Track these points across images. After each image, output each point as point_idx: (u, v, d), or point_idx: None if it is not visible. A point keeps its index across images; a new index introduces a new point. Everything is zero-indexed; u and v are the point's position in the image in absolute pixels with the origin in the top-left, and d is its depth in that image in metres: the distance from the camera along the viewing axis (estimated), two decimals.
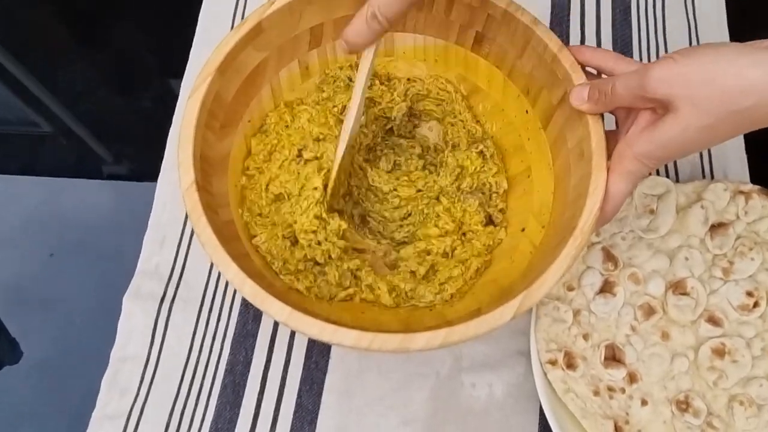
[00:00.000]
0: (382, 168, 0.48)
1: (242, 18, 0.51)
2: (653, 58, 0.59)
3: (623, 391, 0.44)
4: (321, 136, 0.46)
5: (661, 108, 0.34)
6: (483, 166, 0.47)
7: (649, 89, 0.33)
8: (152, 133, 0.55)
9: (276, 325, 0.48)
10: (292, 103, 0.48)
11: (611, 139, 0.38)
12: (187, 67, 0.56)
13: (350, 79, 0.48)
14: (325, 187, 0.44)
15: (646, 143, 0.34)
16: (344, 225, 0.43)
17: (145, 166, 0.57)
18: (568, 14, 0.61)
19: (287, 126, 0.47)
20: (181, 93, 0.56)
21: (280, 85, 0.47)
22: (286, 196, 0.45)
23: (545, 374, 0.44)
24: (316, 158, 0.45)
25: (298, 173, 0.45)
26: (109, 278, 0.50)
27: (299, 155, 0.46)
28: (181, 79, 0.56)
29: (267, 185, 0.45)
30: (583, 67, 0.40)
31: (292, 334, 0.48)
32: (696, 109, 0.32)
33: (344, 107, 0.47)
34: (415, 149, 0.49)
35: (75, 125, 0.60)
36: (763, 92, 0.30)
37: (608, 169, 0.37)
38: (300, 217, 0.43)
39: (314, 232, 0.43)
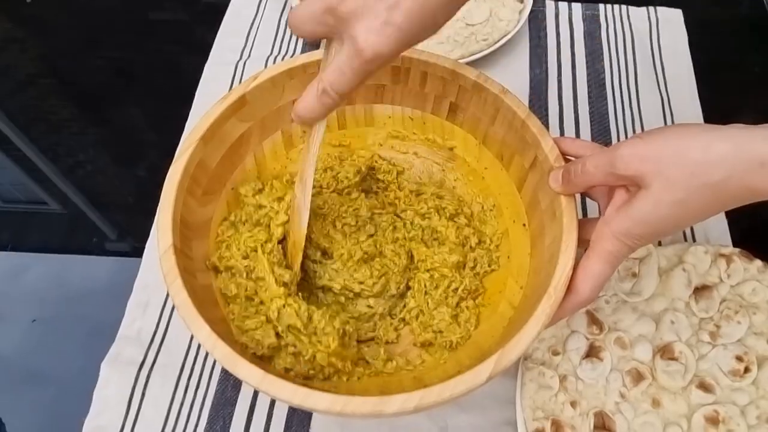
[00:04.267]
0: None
1: None
2: (629, 130, 0.62)
3: None
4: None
5: (634, 186, 0.34)
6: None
7: (619, 166, 0.34)
8: (148, 202, 0.56)
9: (256, 391, 0.47)
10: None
11: (593, 225, 0.37)
12: (180, 141, 0.59)
13: None
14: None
15: (623, 220, 0.34)
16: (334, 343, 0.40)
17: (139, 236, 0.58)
18: (546, 89, 0.64)
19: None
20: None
21: (264, 154, 0.48)
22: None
23: None
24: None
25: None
26: (95, 346, 0.49)
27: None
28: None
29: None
30: (564, 156, 0.41)
31: (273, 401, 0.47)
32: (666, 183, 0.32)
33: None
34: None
35: (72, 197, 0.62)
36: (732, 165, 0.30)
37: (588, 250, 0.36)
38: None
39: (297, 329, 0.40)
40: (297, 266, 0.43)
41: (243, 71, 0.65)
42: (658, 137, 0.33)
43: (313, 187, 0.41)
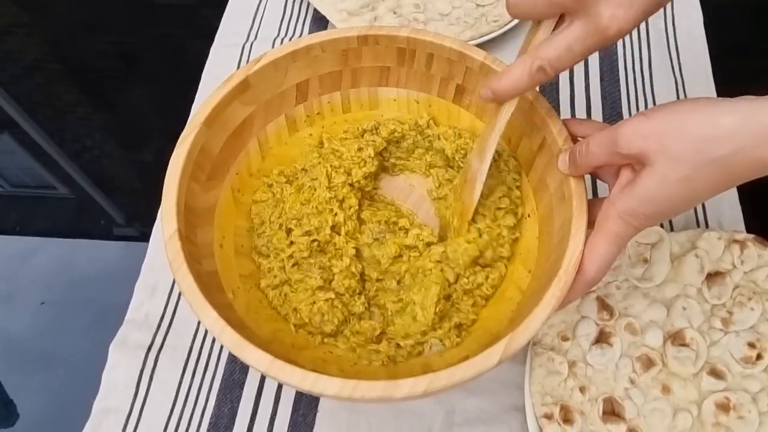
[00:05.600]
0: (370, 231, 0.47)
1: None
2: None
3: None
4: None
5: (638, 164, 0.33)
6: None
7: (622, 145, 0.33)
8: (155, 186, 0.56)
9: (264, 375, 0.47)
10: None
11: (600, 205, 0.36)
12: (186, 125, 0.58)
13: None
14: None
15: (628, 200, 0.33)
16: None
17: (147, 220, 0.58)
18: None
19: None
20: None
21: (268, 138, 0.48)
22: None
23: (541, 430, 0.42)
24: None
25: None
26: (103, 328, 0.49)
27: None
28: None
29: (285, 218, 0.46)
30: (573, 138, 0.40)
31: (280, 384, 0.47)
32: (671, 160, 0.31)
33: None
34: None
35: (79, 182, 0.62)
36: (740, 138, 0.29)
37: (594, 230, 0.35)
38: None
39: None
40: (464, 232, 0.44)
41: (250, 53, 0.64)
42: (661, 113, 0.32)
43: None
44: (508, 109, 0.38)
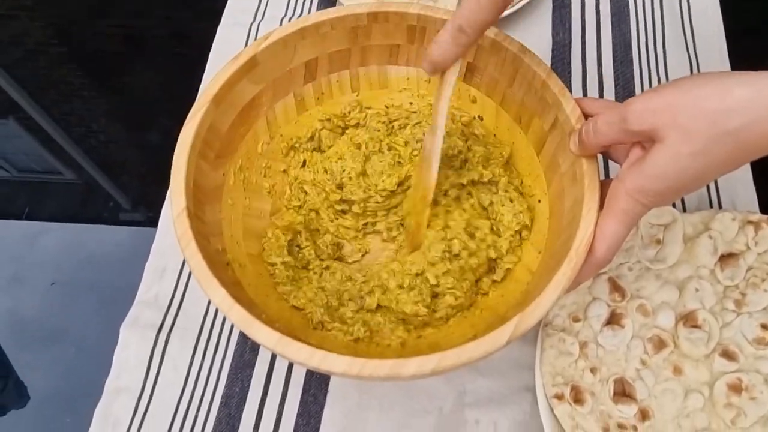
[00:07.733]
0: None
1: None
2: None
3: (635, 429, 0.42)
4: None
5: (648, 141, 0.32)
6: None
7: (632, 121, 0.32)
8: (162, 169, 0.56)
9: (274, 354, 0.47)
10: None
11: (609, 184, 0.36)
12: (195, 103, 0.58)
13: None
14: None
15: (636, 177, 0.32)
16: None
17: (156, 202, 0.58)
18: (569, 52, 0.62)
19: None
20: None
21: (276, 117, 0.47)
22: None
23: (551, 410, 0.42)
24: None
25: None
26: (113, 309, 0.50)
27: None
28: None
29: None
30: (586, 117, 0.39)
31: (290, 364, 0.47)
32: (683, 134, 0.30)
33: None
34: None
35: (86, 167, 0.62)
36: (753, 110, 0.28)
37: (603, 210, 0.34)
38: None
39: None
40: (423, 230, 0.44)
41: (257, 33, 0.63)
42: (672, 88, 0.31)
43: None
44: (451, 77, 0.37)
